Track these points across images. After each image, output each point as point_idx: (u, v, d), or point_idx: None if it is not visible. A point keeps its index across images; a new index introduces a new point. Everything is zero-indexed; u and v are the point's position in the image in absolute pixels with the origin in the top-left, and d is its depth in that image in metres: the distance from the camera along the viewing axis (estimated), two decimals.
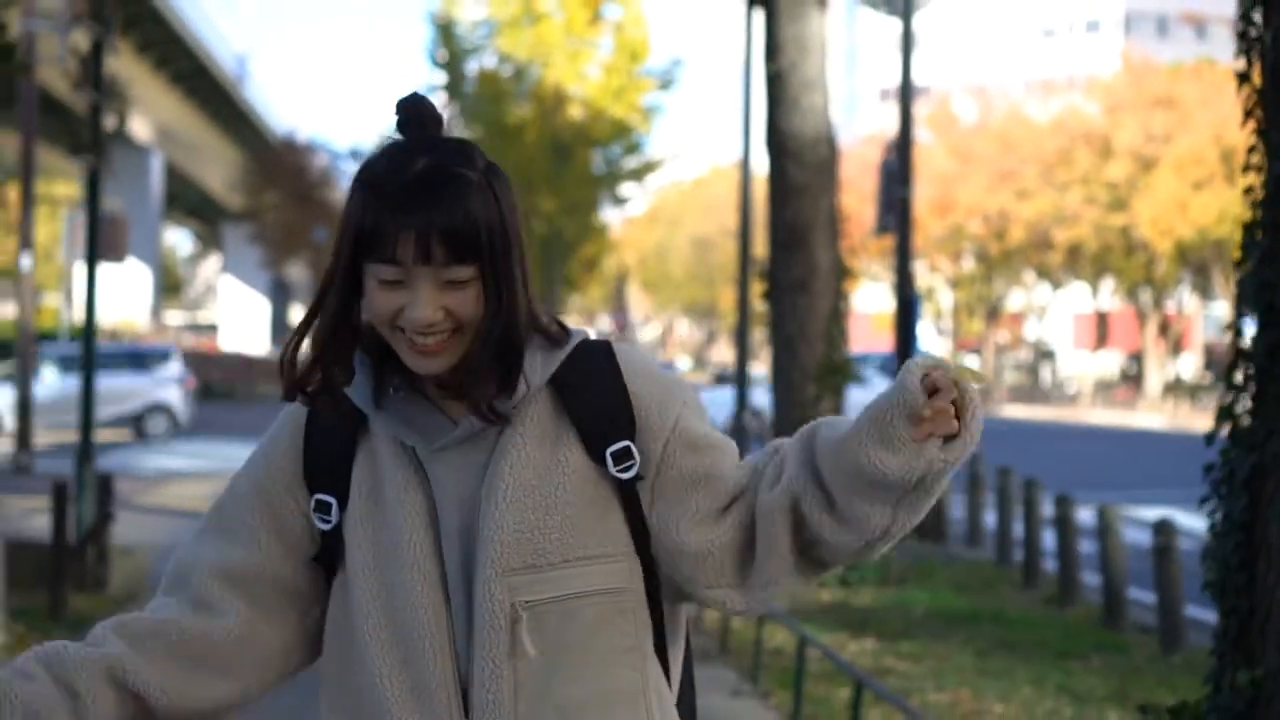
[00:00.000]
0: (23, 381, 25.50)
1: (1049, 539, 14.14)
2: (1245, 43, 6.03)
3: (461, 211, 2.12)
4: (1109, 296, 68.63)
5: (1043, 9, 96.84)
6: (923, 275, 64.86)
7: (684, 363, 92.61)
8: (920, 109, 67.70)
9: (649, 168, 51.95)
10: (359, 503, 2.26)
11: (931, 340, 73.39)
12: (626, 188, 53.69)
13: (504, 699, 2.17)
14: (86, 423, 13.69)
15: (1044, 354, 76.99)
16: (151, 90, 54.43)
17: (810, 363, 13.82)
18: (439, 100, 51.83)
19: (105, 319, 60.54)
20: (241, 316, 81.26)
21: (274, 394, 57.29)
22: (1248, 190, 6.02)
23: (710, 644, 10.60)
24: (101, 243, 15.91)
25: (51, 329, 46.14)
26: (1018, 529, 15.18)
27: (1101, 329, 74.25)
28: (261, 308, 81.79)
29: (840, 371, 13.98)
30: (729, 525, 2.23)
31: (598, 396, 2.24)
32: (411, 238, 2.11)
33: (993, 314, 69.07)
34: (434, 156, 2.16)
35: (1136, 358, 69.18)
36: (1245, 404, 5.93)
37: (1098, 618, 12.09)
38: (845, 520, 2.16)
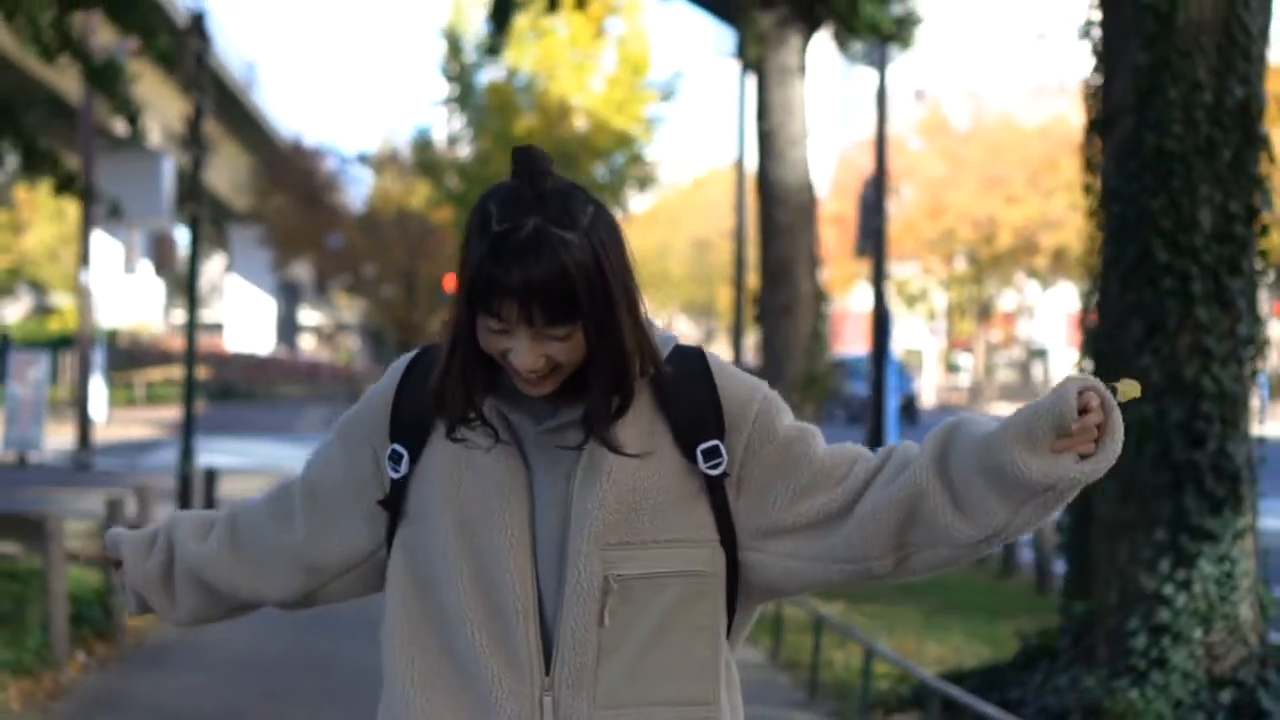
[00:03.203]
0: (82, 383, 27.76)
1: None
2: (1090, 94, 8.59)
3: (559, 278, 2.20)
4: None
5: (1036, 12, 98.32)
6: (916, 277, 67.05)
7: None
8: (914, 113, 69.79)
9: (650, 179, 53.74)
10: (446, 466, 2.39)
11: (924, 340, 75.60)
12: (629, 195, 55.40)
13: (588, 663, 2.32)
14: (189, 426, 16.17)
15: (1035, 352, 78.81)
16: (161, 96, 56.17)
17: (795, 375, 16.26)
18: (446, 111, 53.20)
19: (120, 321, 62.60)
20: (247, 316, 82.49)
21: (292, 394, 59.35)
22: (1090, 213, 8.56)
23: None
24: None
25: (65, 332, 47.85)
26: None
27: None
28: (268, 308, 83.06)
29: (819, 381, 16.43)
30: (819, 506, 2.39)
31: (691, 397, 2.37)
32: (513, 301, 2.21)
33: (984, 314, 70.81)
34: (542, 216, 2.22)
35: None
36: None
37: (1032, 588, 14.53)
38: (969, 514, 2.30)
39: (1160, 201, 8.03)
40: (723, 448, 2.37)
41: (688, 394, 2.38)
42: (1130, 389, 2.20)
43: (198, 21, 15.35)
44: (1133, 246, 8.12)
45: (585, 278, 2.22)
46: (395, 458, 2.42)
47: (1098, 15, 8.61)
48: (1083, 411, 2.18)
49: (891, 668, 9.47)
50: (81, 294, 27.36)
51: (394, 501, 2.43)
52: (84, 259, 27.15)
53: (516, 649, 2.33)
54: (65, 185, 14.18)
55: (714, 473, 2.36)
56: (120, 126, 53.21)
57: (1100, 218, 8.50)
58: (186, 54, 15.60)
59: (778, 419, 2.41)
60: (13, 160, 14.06)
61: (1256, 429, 8.26)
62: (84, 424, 26.96)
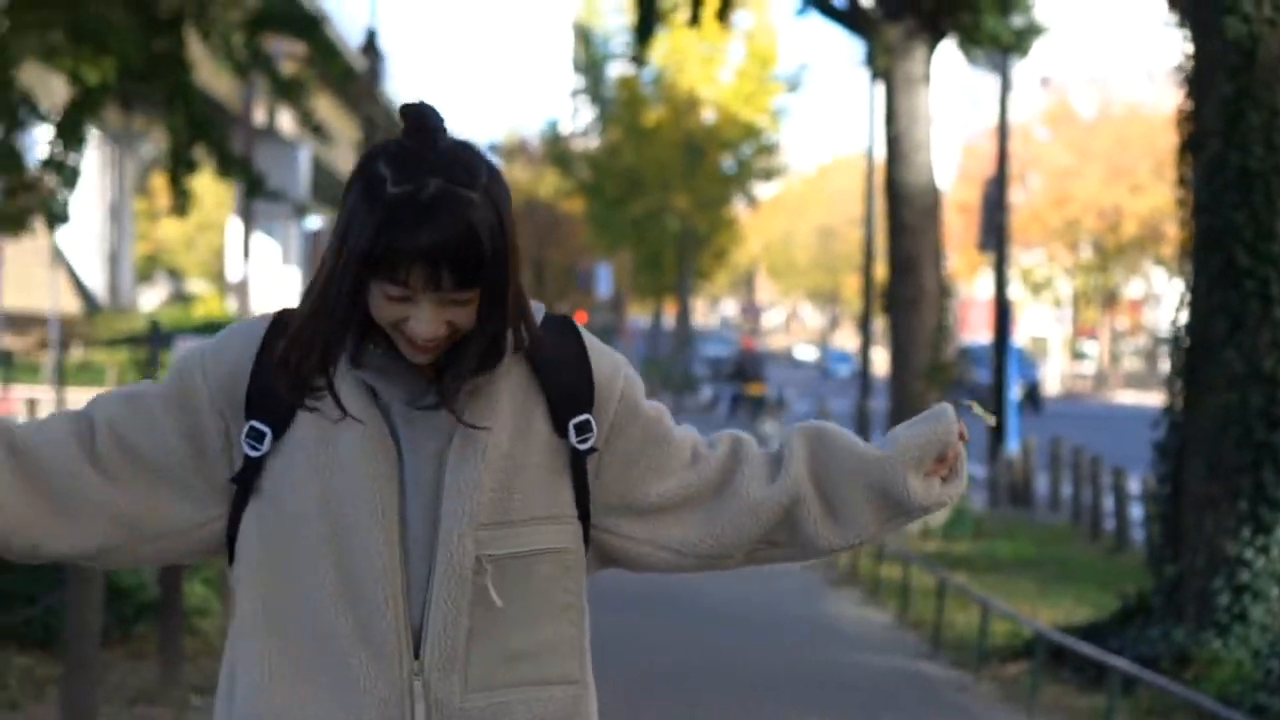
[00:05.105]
0: None
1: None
2: (1182, 119, 9.72)
3: (469, 239, 2.12)
4: None
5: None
6: (1042, 265, 67.51)
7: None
8: (1040, 100, 70.05)
9: (776, 170, 54.56)
10: (308, 446, 2.25)
11: (1050, 327, 75.99)
12: (756, 185, 56.22)
13: (459, 645, 2.25)
14: None
15: (1161, 340, 78.80)
16: None
17: (920, 365, 17.42)
18: (580, 103, 54.16)
19: (260, 309, 64.56)
20: None
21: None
22: (1183, 224, 9.68)
23: (837, 574, 14.38)
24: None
25: (210, 319, 49.69)
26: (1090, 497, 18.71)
27: None
28: None
29: (942, 371, 17.58)
30: (677, 489, 2.40)
31: (565, 370, 2.32)
32: (422, 267, 2.11)
33: (1109, 301, 71.01)
34: (443, 176, 2.13)
35: None
36: (1178, 387, 9.58)
37: (1144, 562, 15.58)
38: (842, 524, 2.40)
39: (1243, 214, 9.18)
40: (593, 422, 2.34)
41: (563, 366, 2.33)
42: (987, 415, 2.46)
43: (370, 39, 16.63)
44: (1219, 254, 9.27)
45: (490, 237, 2.14)
46: (256, 435, 2.26)
47: (1190, 49, 9.75)
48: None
49: (1007, 625, 10.66)
50: (243, 287, 29.09)
51: (248, 478, 2.28)
52: (245, 253, 28.85)
53: (384, 634, 2.23)
54: (254, 188, 15.59)
55: (584, 447, 2.33)
56: (261, 117, 55.40)
57: (1191, 228, 9.64)
58: (360, 70, 16.94)
59: (641, 396, 2.40)
60: (208, 165, 15.47)
61: None
62: None
